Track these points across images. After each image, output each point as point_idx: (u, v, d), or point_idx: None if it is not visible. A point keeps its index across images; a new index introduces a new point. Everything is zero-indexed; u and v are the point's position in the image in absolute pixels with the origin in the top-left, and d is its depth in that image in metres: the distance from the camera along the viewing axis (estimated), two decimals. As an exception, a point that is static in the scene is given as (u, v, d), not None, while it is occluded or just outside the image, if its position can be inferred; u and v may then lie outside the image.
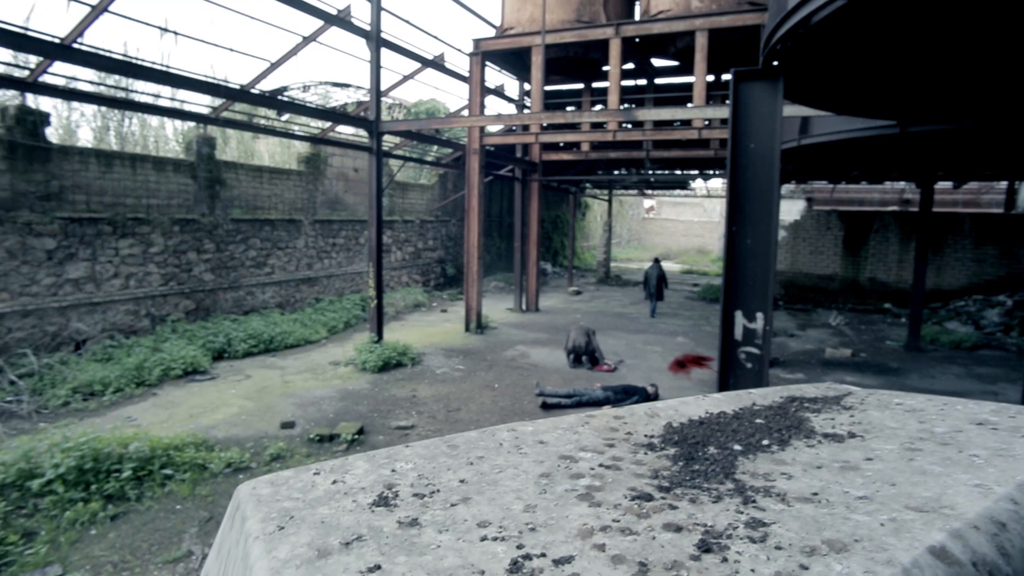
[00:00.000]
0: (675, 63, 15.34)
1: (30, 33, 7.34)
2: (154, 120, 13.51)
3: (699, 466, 1.73)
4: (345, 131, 15.97)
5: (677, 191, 33.44)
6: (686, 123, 14.65)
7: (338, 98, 19.44)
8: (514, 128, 14.74)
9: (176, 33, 9.35)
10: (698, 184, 29.29)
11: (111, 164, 10.67)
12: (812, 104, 6.50)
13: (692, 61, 12.40)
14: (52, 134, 10.10)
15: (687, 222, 46.32)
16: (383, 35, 11.13)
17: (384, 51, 11.31)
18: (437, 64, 13.31)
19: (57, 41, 7.46)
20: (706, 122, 12.25)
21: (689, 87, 15.65)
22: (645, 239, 46.97)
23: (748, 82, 5.36)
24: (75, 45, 7.81)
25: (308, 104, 10.93)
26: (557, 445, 1.95)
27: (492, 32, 15.15)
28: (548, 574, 1.23)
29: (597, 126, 13.90)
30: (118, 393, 8.99)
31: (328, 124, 14.47)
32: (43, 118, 9.90)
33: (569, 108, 18.62)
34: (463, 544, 1.38)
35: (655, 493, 1.57)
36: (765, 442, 1.92)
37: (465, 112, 18.14)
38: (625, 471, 1.72)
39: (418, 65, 13.20)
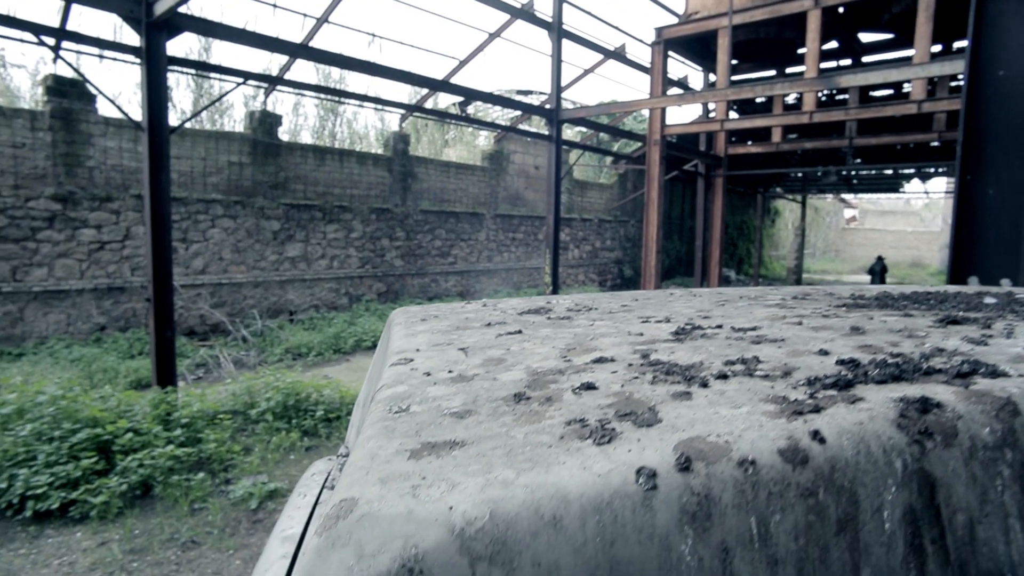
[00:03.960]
0: (888, 35, 13.48)
1: (281, 38, 8.59)
2: (359, 123, 15.21)
3: (913, 306, 1.35)
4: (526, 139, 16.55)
5: (884, 197, 29.44)
6: (900, 97, 12.76)
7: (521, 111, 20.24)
8: (699, 110, 14.06)
9: (381, 37, 10.42)
10: (913, 189, 25.48)
11: (324, 158, 12.19)
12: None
13: (912, 27, 10.77)
14: (282, 133, 11.81)
15: (898, 232, 40.51)
16: (564, 27, 11.32)
17: (565, 45, 11.49)
18: (618, 55, 13.21)
19: (298, 42, 8.63)
20: (929, 87, 10.52)
21: (907, 62, 13.65)
22: (844, 251, 42.00)
23: (995, -5, 4.43)
24: (310, 45, 9.02)
25: (495, 94, 11.47)
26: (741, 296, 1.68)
27: (674, 20, 14.66)
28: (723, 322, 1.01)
29: (790, 109, 12.69)
30: (319, 356, 10.13)
31: (514, 115, 15.09)
32: (277, 120, 11.64)
33: (759, 100, 17.33)
34: (614, 326, 1.21)
35: (851, 307, 1.25)
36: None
37: (645, 111, 17.81)
38: (812, 300, 1.41)
39: (599, 57, 13.21)
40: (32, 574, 4.04)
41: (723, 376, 0.75)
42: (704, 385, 0.71)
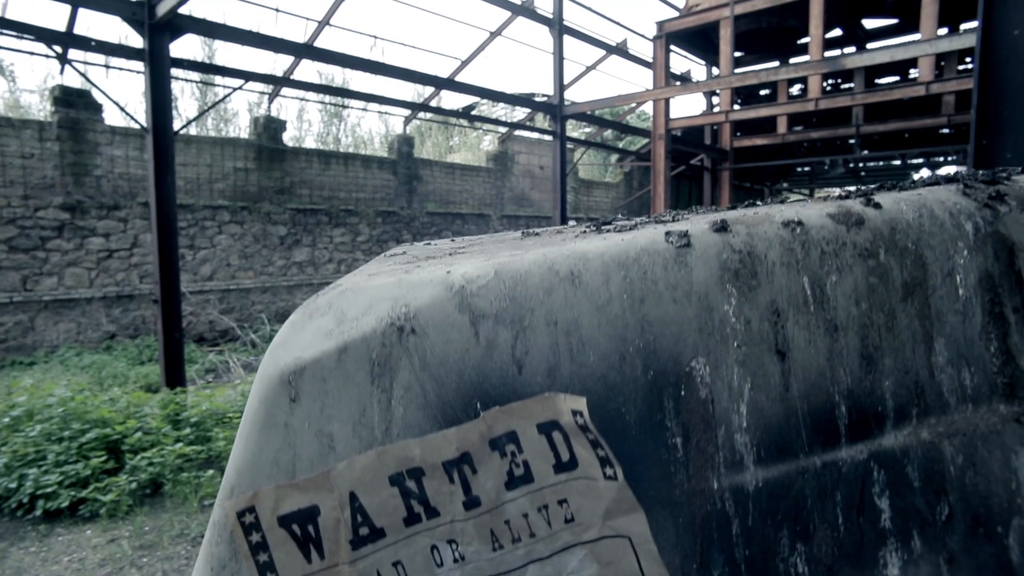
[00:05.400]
0: (893, 21, 13.36)
1: (285, 39, 8.59)
2: (363, 128, 15.24)
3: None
4: (531, 136, 16.54)
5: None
6: (908, 82, 12.62)
7: (524, 108, 20.25)
8: (703, 106, 13.97)
9: (383, 39, 10.44)
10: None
11: (329, 162, 12.21)
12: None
13: (916, 11, 10.66)
14: (287, 139, 11.85)
15: (910, 227, 40.06)
16: (565, 23, 11.30)
17: (566, 41, 11.47)
18: (620, 50, 13.17)
19: (302, 43, 8.63)
20: (937, 71, 10.38)
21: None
22: (855, 247, 41.56)
23: (1003, -44, 4.34)
24: (314, 45, 9.05)
25: (497, 91, 11.44)
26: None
27: (675, 14, 14.61)
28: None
29: (796, 100, 12.59)
30: (330, 358, 10.09)
31: (518, 117, 15.06)
32: (282, 125, 11.68)
33: (762, 92, 17.25)
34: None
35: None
36: None
37: (648, 105, 17.76)
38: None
39: (601, 53, 13.18)
40: (42, 571, 3.99)
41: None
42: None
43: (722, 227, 0.45)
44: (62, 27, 7.26)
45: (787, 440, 0.41)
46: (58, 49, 7.68)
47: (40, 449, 4.83)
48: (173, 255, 6.62)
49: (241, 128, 13.16)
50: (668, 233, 0.45)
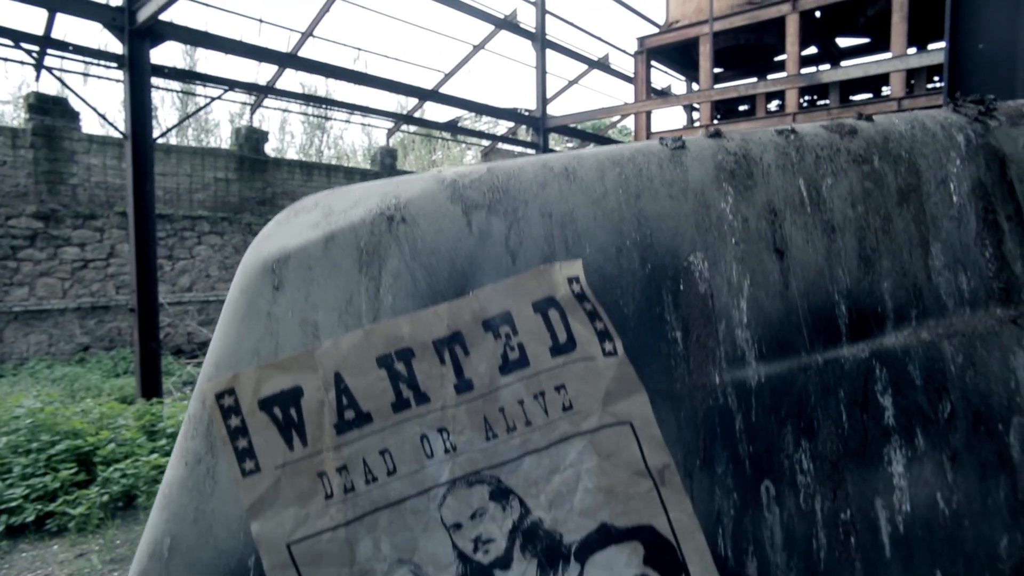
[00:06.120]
0: (865, 39, 13.74)
1: (268, 48, 8.57)
2: (346, 141, 15.23)
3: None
4: (514, 150, 16.64)
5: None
6: (880, 98, 12.95)
7: (507, 121, 20.39)
8: (684, 120, 14.19)
9: (367, 51, 10.47)
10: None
11: (311, 173, 12.15)
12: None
13: (887, 30, 10.97)
14: (269, 151, 11.78)
15: (884, 242, 40.95)
16: (547, 37, 11.45)
17: (549, 56, 11.61)
18: (602, 65, 13.36)
19: (286, 52, 8.61)
20: (907, 88, 10.67)
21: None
22: (832, 262, 42.32)
23: (970, -29, 4.48)
24: (298, 55, 9.03)
25: (481, 103, 11.53)
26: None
27: (656, 31, 14.88)
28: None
29: (773, 115, 12.85)
30: (311, 370, 9.95)
31: (500, 132, 15.15)
32: (263, 136, 11.60)
33: (741, 108, 17.58)
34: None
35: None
36: None
37: (630, 120, 18.02)
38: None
39: (583, 68, 13.35)
40: (5, 587, 3.83)
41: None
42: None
43: (716, 134, 0.45)
44: (39, 32, 7.16)
45: (788, 337, 0.40)
46: (35, 55, 7.57)
47: (5, 462, 4.66)
48: (151, 264, 6.51)
49: (223, 139, 13.07)
50: (662, 138, 0.44)
